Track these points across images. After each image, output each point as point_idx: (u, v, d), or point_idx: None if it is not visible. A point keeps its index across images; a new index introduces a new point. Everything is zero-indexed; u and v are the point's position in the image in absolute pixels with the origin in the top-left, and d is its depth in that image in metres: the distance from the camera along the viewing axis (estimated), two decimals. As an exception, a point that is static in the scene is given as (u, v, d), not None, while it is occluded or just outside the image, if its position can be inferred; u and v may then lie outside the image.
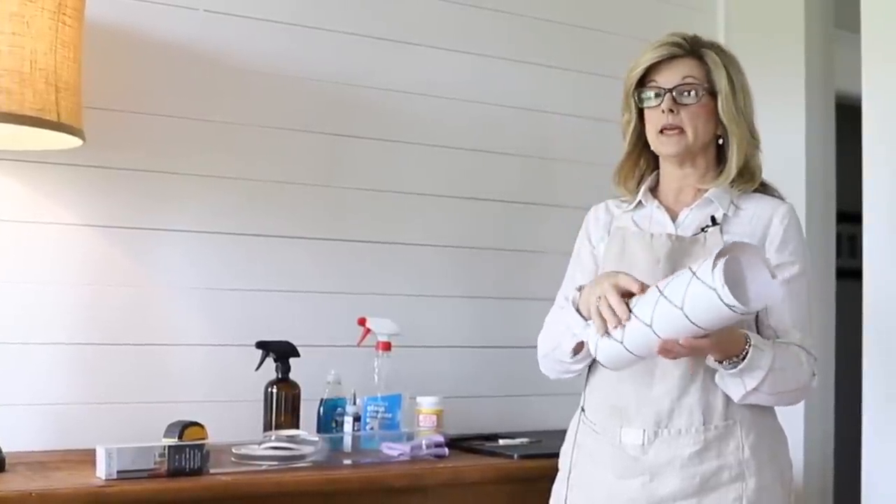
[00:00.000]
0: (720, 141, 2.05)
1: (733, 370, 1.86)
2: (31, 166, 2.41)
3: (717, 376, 1.92)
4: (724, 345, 1.84)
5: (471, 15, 3.02)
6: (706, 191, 2.04)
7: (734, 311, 1.67)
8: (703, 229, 2.01)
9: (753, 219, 2.01)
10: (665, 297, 1.74)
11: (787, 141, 3.19)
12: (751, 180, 2.04)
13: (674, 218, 2.06)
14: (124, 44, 2.53)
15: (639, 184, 2.11)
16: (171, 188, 2.58)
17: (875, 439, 2.63)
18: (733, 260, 1.71)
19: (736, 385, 1.89)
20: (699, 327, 1.72)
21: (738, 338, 1.87)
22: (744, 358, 1.85)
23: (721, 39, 3.33)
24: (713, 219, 2.01)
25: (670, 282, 1.76)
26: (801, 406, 2.98)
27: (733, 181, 2.02)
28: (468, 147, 3.00)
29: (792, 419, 2.97)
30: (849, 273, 3.34)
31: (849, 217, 3.39)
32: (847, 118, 3.23)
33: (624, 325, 1.79)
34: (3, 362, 2.36)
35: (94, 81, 2.35)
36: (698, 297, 1.70)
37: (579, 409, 2.12)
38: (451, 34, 2.99)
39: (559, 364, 2.07)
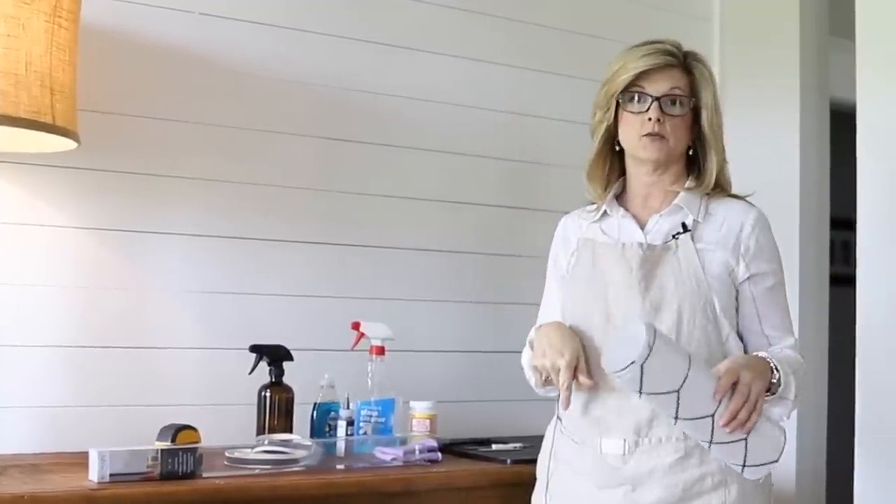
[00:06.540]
0: (690, 151, 2.07)
1: (779, 390, 1.89)
2: (25, 169, 2.41)
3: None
4: (756, 370, 1.87)
5: (464, 20, 3.02)
6: (676, 194, 2.05)
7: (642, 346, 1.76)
8: (674, 236, 2.02)
9: (724, 225, 2.03)
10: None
11: (781, 147, 3.20)
12: (722, 191, 2.07)
13: (642, 226, 2.07)
14: (119, 47, 2.52)
15: (606, 186, 2.11)
16: (166, 191, 2.58)
17: (868, 445, 2.63)
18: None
19: (783, 403, 1.93)
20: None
21: (759, 359, 1.92)
22: (775, 369, 1.89)
23: (716, 47, 3.35)
24: (684, 225, 2.02)
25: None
26: (793, 413, 2.98)
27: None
28: (462, 151, 3.00)
29: (784, 426, 2.98)
30: (842, 279, 3.34)
31: (842, 223, 3.40)
32: (841, 125, 3.23)
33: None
34: (-4, 365, 2.36)
35: (89, 84, 2.35)
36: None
37: (555, 419, 2.12)
38: (444, 39, 2.99)
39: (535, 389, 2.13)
